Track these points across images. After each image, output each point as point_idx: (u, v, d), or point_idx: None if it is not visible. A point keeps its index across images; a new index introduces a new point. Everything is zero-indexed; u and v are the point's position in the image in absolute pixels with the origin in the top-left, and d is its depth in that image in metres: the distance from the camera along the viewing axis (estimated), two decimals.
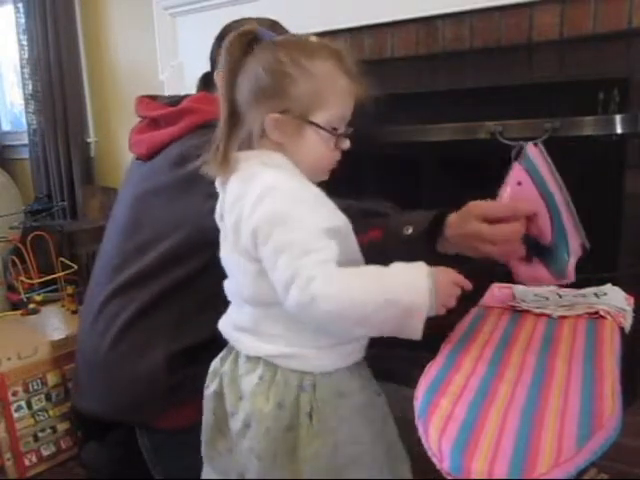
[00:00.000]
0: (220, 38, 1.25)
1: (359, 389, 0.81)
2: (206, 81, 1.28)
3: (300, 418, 0.76)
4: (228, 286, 0.87)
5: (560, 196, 0.82)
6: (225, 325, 0.89)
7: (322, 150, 0.79)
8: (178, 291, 1.16)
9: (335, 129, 0.78)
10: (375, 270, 0.73)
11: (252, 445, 0.78)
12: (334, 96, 0.77)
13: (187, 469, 1.20)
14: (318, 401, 0.76)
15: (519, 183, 0.84)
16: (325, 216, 0.74)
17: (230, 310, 0.89)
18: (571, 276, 0.84)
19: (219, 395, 0.86)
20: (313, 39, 0.80)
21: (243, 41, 0.76)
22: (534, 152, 0.83)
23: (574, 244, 0.83)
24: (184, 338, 1.17)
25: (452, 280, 0.74)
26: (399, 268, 0.72)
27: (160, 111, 1.21)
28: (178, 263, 1.15)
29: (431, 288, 0.70)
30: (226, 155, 0.77)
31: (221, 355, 0.89)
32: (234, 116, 0.78)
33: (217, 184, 0.83)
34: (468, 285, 0.76)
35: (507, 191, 0.85)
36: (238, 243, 0.77)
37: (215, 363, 0.90)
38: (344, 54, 0.79)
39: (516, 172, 0.84)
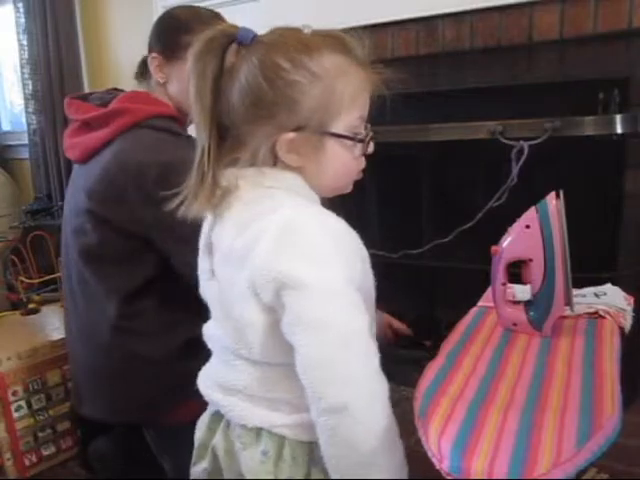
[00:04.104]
0: (159, 23, 1.24)
1: None
2: (145, 66, 1.25)
3: None
4: (211, 334, 0.74)
5: (560, 253, 0.82)
6: (206, 385, 0.74)
7: (347, 161, 0.68)
8: (153, 290, 1.16)
9: (357, 133, 0.67)
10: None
11: None
12: (351, 96, 0.65)
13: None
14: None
15: (527, 226, 0.84)
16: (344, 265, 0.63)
17: (212, 365, 0.75)
18: (547, 332, 0.84)
19: (214, 473, 0.73)
20: (307, 32, 0.66)
21: (224, 43, 0.64)
22: (552, 202, 0.83)
23: (559, 302, 0.83)
24: (177, 336, 1.17)
25: None
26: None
27: (90, 113, 1.19)
28: (139, 263, 1.15)
29: None
30: (215, 182, 0.63)
31: (206, 421, 0.75)
32: (220, 133, 0.65)
33: (206, 222, 0.72)
34: None
35: (514, 231, 0.86)
36: (239, 287, 0.64)
37: (201, 432, 0.75)
38: (348, 40, 0.66)
39: (529, 214, 0.84)
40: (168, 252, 1.12)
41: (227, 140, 0.65)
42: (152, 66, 1.21)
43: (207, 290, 0.73)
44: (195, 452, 0.76)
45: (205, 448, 0.74)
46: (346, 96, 0.65)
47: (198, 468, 0.75)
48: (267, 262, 0.60)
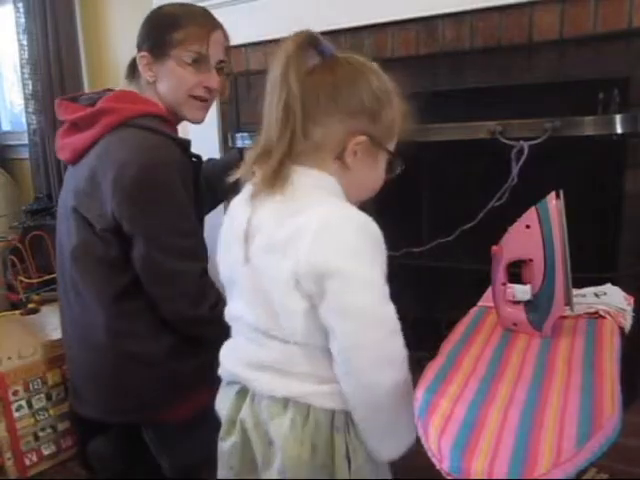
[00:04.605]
0: (146, 21, 1.23)
1: None
2: (135, 65, 1.24)
3: (336, 460, 0.74)
4: (238, 315, 0.80)
5: (560, 252, 0.82)
6: (233, 364, 0.81)
7: (382, 175, 0.80)
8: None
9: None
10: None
11: None
12: (399, 126, 0.79)
13: (192, 455, 1.21)
14: (353, 441, 0.75)
15: (527, 226, 0.84)
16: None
17: (237, 344, 0.83)
18: (547, 332, 0.84)
19: (242, 445, 0.80)
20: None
21: (308, 48, 0.73)
22: (553, 202, 0.83)
23: (559, 302, 0.83)
24: (170, 335, 1.17)
25: None
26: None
27: (78, 113, 1.19)
28: (124, 264, 1.15)
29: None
30: (281, 169, 0.71)
31: (227, 402, 0.82)
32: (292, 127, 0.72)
33: (245, 195, 0.77)
34: None
35: (514, 231, 0.86)
36: (280, 276, 0.70)
37: (227, 411, 0.82)
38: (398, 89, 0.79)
39: (529, 214, 0.84)
40: (133, 244, 1.13)
41: (304, 136, 0.72)
42: (141, 65, 1.20)
43: (237, 275, 0.78)
44: (223, 428, 0.82)
45: (233, 424, 0.80)
46: (398, 125, 0.78)
47: (227, 443, 0.81)
48: (310, 255, 0.68)
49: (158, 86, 1.21)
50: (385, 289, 0.71)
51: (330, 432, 0.74)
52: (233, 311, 0.82)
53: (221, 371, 0.86)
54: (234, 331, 0.84)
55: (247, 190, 0.77)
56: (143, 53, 1.20)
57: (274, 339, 0.74)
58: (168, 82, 1.20)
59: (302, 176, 0.73)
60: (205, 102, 1.25)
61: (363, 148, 0.74)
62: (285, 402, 0.75)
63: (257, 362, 0.77)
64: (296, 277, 0.69)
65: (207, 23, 1.20)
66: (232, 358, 0.82)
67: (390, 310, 0.71)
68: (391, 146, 0.79)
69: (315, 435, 0.73)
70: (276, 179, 0.71)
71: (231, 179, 0.78)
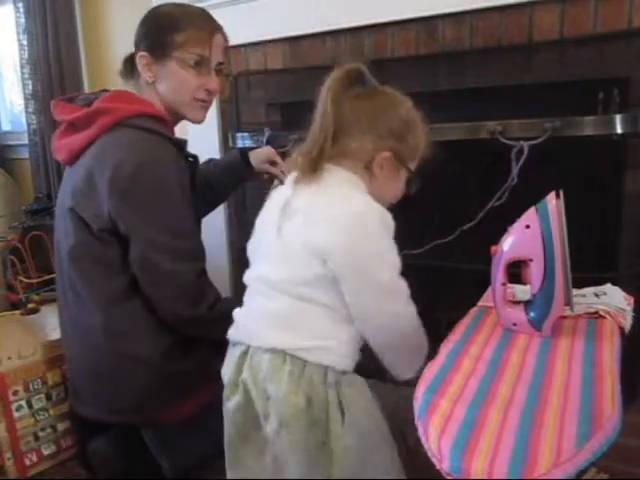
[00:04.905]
0: (146, 21, 1.23)
1: (365, 383, 0.89)
2: (131, 63, 1.24)
3: (330, 413, 0.82)
4: (259, 275, 0.90)
5: (560, 252, 0.82)
6: (243, 317, 0.92)
7: (402, 188, 0.95)
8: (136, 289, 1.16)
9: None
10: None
11: (293, 440, 0.82)
12: (422, 150, 0.94)
13: (192, 454, 1.21)
14: (345, 396, 0.83)
15: (527, 226, 0.84)
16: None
17: (251, 301, 0.92)
18: (547, 332, 0.84)
19: (245, 404, 0.87)
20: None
21: (352, 77, 0.89)
22: (552, 202, 0.83)
23: (559, 302, 0.83)
24: (168, 336, 1.17)
25: None
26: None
27: (75, 114, 1.19)
28: (121, 265, 1.15)
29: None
30: (318, 163, 0.86)
31: (230, 366, 0.90)
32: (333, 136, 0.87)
33: (290, 179, 0.91)
34: None
35: (514, 231, 0.86)
36: (311, 248, 0.83)
37: (229, 374, 0.90)
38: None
39: (529, 214, 0.84)
40: (130, 245, 1.13)
41: (336, 143, 0.87)
42: (140, 65, 1.20)
43: (268, 242, 0.89)
44: (225, 391, 0.91)
45: (235, 385, 0.88)
46: (422, 150, 0.94)
47: (231, 402, 0.89)
48: (340, 239, 0.81)
49: (158, 86, 1.21)
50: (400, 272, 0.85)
51: (324, 388, 0.82)
52: (257, 271, 0.92)
53: (230, 332, 0.93)
54: (250, 291, 0.94)
55: (292, 176, 0.91)
56: (142, 53, 1.19)
57: (286, 294, 0.85)
58: (169, 83, 1.20)
59: (335, 171, 0.87)
60: (205, 103, 1.26)
61: (388, 162, 0.89)
62: (282, 356, 0.83)
63: (266, 314, 0.87)
64: (324, 256, 0.81)
65: (208, 25, 1.20)
66: (242, 312, 0.92)
67: (404, 283, 0.86)
68: (412, 165, 0.93)
69: (309, 389, 0.81)
70: (313, 170, 0.86)
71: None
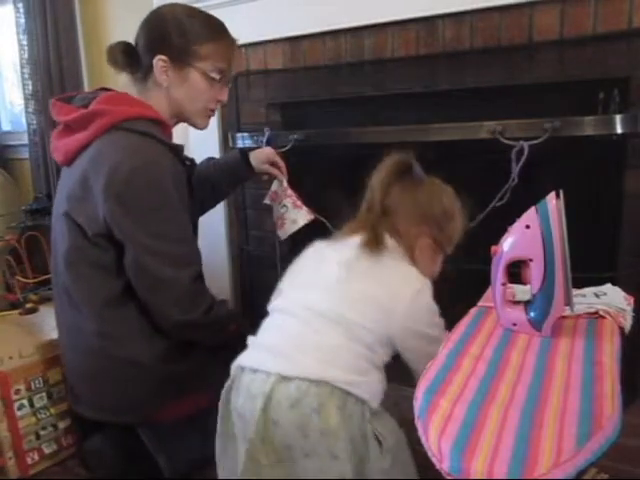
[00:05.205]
0: (147, 22, 1.24)
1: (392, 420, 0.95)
2: (130, 57, 1.23)
3: (369, 444, 0.88)
4: (307, 304, 0.93)
5: (560, 252, 0.82)
6: (273, 343, 0.93)
7: (439, 266, 1.05)
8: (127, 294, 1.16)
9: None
10: None
11: (341, 472, 0.84)
12: (459, 236, 1.03)
13: (190, 454, 1.21)
14: (378, 429, 0.89)
15: (527, 226, 0.84)
16: None
17: (282, 329, 0.94)
18: (547, 332, 0.84)
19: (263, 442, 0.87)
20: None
21: (401, 168, 1.01)
22: (552, 202, 0.83)
23: (559, 302, 0.83)
24: (161, 339, 1.17)
25: None
26: None
27: (72, 115, 1.19)
28: (115, 269, 1.15)
29: None
30: (382, 240, 0.96)
31: (255, 407, 0.88)
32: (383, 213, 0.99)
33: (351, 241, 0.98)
34: None
35: (514, 231, 0.86)
36: (382, 312, 0.91)
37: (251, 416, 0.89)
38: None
39: (529, 214, 0.84)
40: (125, 250, 1.12)
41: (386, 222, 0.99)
42: (157, 67, 1.19)
43: (329, 278, 0.95)
44: (250, 428, 0.89)
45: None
46: (458, 236, 1.03)
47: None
48: (407, 318, 0.92)
49: (171, 90, 1.21)
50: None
51: (364, 422, 0.87)
52: (301, 300, 0.95)
53: (241, 361, 0.92)
54: (278, 320, 0.96)
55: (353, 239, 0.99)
56: (162, 57, 1.18)
57: (340, 328, 0.89)
58: (186, 91, 1.21)
59: (393, 249, 0.97)
60: (213, 112, 1.30)
61: (428, 248, 1.00)
62: (331, 389, 0.85)
63: (314, 346, 0.89)
64: (387, 320, 0.91)
65: (229, 39, 1.24)
66: (269, 341, 0.93)
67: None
68: (449, 250, 1.04)
69: (351, 422, 0.86)
70: (375, 244, 0.95)
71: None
